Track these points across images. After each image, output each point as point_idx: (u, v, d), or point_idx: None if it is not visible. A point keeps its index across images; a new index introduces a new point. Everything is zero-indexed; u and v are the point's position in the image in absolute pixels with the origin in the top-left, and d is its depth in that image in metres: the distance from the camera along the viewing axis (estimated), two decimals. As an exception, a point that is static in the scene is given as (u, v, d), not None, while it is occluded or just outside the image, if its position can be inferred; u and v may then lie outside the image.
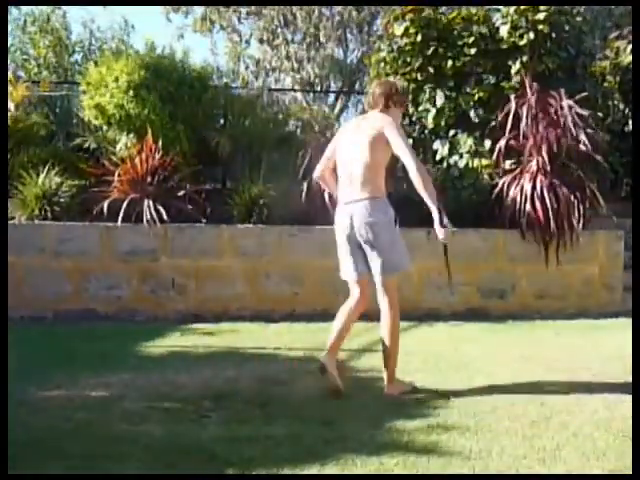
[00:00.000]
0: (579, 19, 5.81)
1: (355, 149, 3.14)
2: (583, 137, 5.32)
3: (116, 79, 5.57)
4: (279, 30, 10.22)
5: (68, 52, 11.64)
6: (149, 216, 5.15)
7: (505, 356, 3.97)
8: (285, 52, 10.15)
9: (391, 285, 3.12)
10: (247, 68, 10.42)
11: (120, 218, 5.11)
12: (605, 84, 6.30)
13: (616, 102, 6.47)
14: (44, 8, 10.46)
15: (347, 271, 3.19)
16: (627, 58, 6.53)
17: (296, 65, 10.15)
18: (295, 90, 9.83)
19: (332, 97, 10.85)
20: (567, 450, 2.48)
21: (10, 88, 5.79)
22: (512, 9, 5.55)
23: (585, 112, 5.33)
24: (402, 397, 3.09)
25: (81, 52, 12.26)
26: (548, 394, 3.18)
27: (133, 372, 3.44)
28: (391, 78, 6.01)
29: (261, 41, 10.12)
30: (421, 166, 3.07)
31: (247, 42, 10.75)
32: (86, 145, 6.11)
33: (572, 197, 5.40)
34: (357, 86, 10.83)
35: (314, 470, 2.26)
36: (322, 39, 10.16)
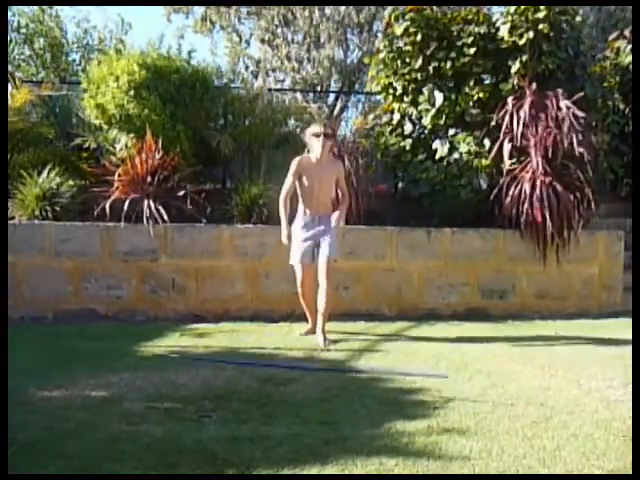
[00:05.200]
0: (578, 19, 5.79)
1: None
2: (580, 138, 5.32)
3: (117, 79, 5.56)
4: (279, 30, 10.22)
5: (65, 52, 11.63)
6: (149, 216, 5.15)
7: (505, 356, 3.97)
8: (285, 52, 10.15)
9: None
10: (247, 68, 10.43)
11: (121, 218, 5.11)
12: (605, 84, 6.29)
13: (616, 102, 6.46)
14: (35, 8, 10.46)
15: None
16: (627, 58, 6.54)
17: (296, 65, 10.15)
18: (295, 90, 9.83)
19: (332, 97, 10.86)
20: (567, 450, 2.48)
21: (13, 90, 5.79)
22: (512, 8, 5.55)
23: (581, 113, 5.32)
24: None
25: (78, 52, 12.25)
26: (548, 394, 3.18)
27: (133, 372, 3.43)
28: (391, 79, 6.02)
29: (262, 41, 10.12)
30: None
31: (247, 42, 10.77)
32: (86, 145, 6.11)
33: (571, 197, 5.40)
34: (357, 86, 10.84)
35: (314, 470, 2.26)
36: (322, 39, 10.16)
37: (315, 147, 4.36)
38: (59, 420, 2.70)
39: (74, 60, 12.01)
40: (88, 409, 2.86)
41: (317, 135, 4.34)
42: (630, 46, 6.59)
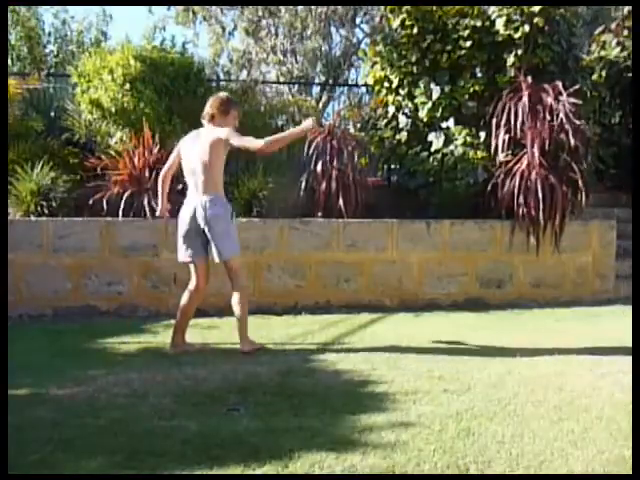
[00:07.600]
0: (570, 12, 5.90)
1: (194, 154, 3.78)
2: (574, 130, 5.43)
3: (111, 71, 5.47)
4: (264, 22, 10.16)
5: (41, 43, 11.32)
6: (148, 210, 5.09)
7: (513, 343, 4.05)
8: (270, 45, 10.10)
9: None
10: (231, 60, 10.35)
11: (118, 213, 5.03)
12: (594, 77, 6.42)
13: (603, 94, 6.60)
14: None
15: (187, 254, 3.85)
16: (613, 52, 6.69)
17: (282, 58, 10.11)
18: (281, 82, 9.79)
19: (317, 89, 10.86)
20: (594, 432, 2.56)
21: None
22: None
23: (574, 108, 5.42)
24: (254, 353, 3.76)
25: (56, 43, 11.94)
26: (564, 379, 3.27)
27: (150, 368, 3.41)
28: (387, 71, 6.03)
29: (247, 32, 10.04)
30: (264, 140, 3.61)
31: (231, 34, 10.67)
32: (76, 139, 6.00)
33: (565, 188, 5.52)
34: (341, 79, 10.86)
35: (357, 459, 2.28)
36: (307, 32, 10.15)
37: (231, 122, 3.82)
38: (89, 417, 2.67)
39: (51, 52, 11.71)
40: (115, 406, 2.83)
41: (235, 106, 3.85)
42: (615, 40, 6.77)
